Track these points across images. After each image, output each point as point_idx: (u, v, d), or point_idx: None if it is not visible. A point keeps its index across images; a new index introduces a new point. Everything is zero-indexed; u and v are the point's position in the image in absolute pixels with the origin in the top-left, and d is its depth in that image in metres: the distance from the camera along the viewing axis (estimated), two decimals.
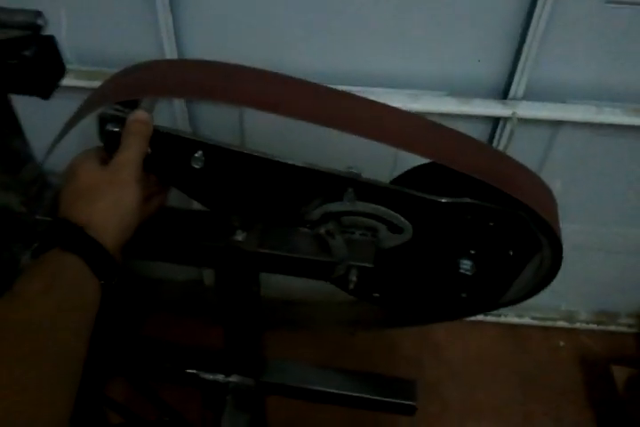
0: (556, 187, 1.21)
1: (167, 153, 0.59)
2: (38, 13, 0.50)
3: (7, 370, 0.42)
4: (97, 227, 0.52)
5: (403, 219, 0.60)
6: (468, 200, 0.59)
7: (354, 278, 0.61)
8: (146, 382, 0.85)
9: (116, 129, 0.57)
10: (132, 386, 0.84)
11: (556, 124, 1.08)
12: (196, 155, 0.58)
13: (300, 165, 0.58)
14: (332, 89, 0.61)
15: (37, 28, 0.50)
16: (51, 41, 0.51)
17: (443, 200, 0.59)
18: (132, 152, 0.56)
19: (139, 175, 0.56)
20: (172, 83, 0.59)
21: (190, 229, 0.64)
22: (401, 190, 0.59)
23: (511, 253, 0.63)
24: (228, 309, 0.70)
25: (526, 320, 1.49)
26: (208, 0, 0.99)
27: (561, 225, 1.27)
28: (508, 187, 0.57)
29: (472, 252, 0.64)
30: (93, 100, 0.61)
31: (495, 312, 1.49)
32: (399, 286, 0.69)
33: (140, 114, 0.57)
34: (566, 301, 1.48)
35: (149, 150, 0.58)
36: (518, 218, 0.60)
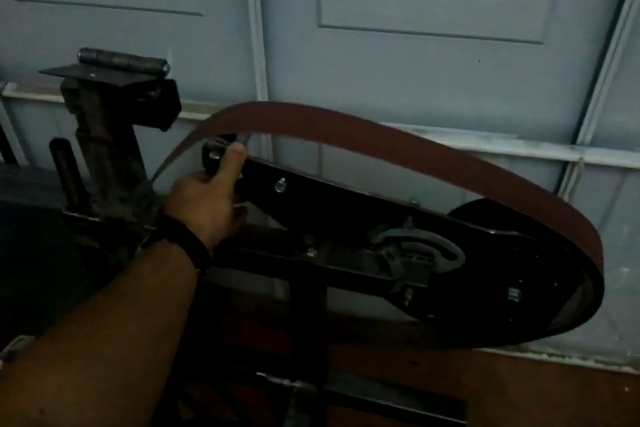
0: (624, 232, 1.23)
1: (256, 178, 0.71)
2: (164, 62, 0.62)
3: (124, 330, 0.50)
4: (195, 226, 0.63)
5: (456, 246, 0.68)
6: (514, 233, 0.66)
7: (409, 297, 0.69)
8: (220, 382, 0.95)
9: (217, 157, 0.70)
10: (209, 385, 0.94)
11: (624, 170, 1.12)
12: (280, 181, 0.70)
13: (367, 194, 0.67)
14: (391, 128, 0.71)
15: (162, 74, 0.62)
16: (172, 84, 0.64)
17: (491, 232, 0.66)
18: (227, 174, 0.68)
19: (231, 193, 0.68)
20: (266, 121, 0.71)
21: (270, 244, 0.74)
22: (454, 221, 0.67)
23: (556, 284, 0.69)
24: (298, 319, 0.79)
25: (590, 363, 1.49)
26: (299, 46, 1.12)
27: (628, 269, 1.28)
28: (552, 222, 0.64)
29: (520, 281, 0.71)
30: (199, 132, 0.73)
31: (559, 353, 1.51)
32: (452, 308, 0.76)
33: (236, 145, 0.69)
34: (632, 347, 1.47)
35: (241, 176, 0.70)
36: (561, 251, 0.66)
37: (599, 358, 1.50)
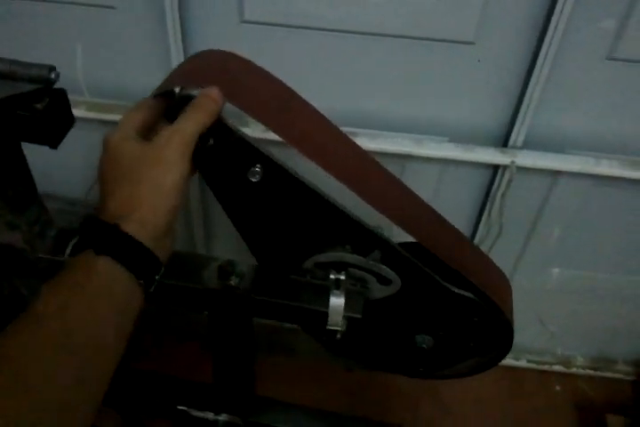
0: (554, 234, 1.22)
1: (229, 156, 0.57)
2: (52, 68, 0.53)
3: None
4: (136, 220, 0.49)
5: (392, 272, 0.62)
6: (470, 295, 0.62)
7: (342, 328, 0.63)
8: (137, 416, 0.86)
9: (189, 93, 0.54)
10: (123, 418, 0.85)
11: (555, 173, 1.10)
12: (256, 168, 0.57)
13: (341, 208, 0.59)
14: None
15: (50, 82, 0.53)
16: (62, 94, 0.54)
17: (454, 290, 0.62)
18: (190, 124, 0.51)
19: (190, 154, 0.51)
20: (238, 88, 0.58)
21: (181, 271, 0.65)
22: (418, 265, 0.61)
23: (472, 344, 0.67)
24: (220, 353, 0.72)
25: (522, 363, 1.49)
26: (220, 43, 1.03)
27: (557, 270, 1.29)
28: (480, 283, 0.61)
29: (440, 332, 0.68)
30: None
31: None
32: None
33: (211, 90, 0.53)
34: (563, 345, 1.48)
35: (212, 141, 0.55)
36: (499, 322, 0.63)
37: (530, 357, 1.50)
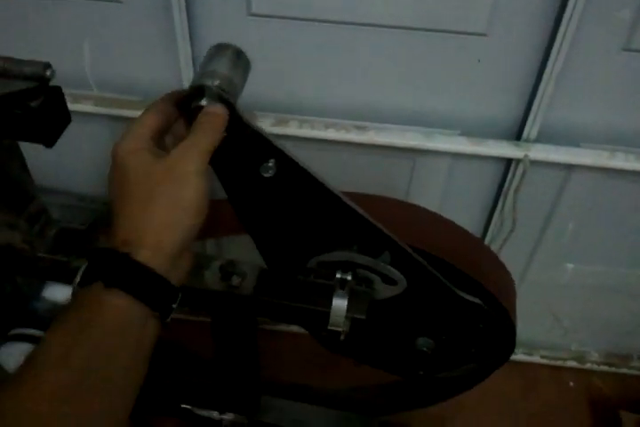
0: (569, 228, 1.20)
1: (243, 150, 0.55)
2: (47, 65, 0.51)
3: None
4: (150, 247, 0.45)
5: (397, 272, 0.61)
6: (478, 301, 0.60)
7: (345, 329, 0.61)
8: (142, 414, 0.86)
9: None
10: (129, 417, 0.85)
11: (569, 167, 1.07)
12: (269, 164, 0.55)
13: (354, 207, 0.58)
14: None
15: (45, 80, 0.51)
16: (57, 92, 0.53)
17: (462, 295, 0.61)
18: (201, 137, 0.48)
19: (205, 165, 0.48)
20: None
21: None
22: (430, 270, 0.60)
23: (474, 349, 0.65)
24: (223, 350, 0.71)
25: (535, 358, 1.47)
26: (228, 36, 1.01)
27: (572, 265, 1.27)
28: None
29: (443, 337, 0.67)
30: None
31: None
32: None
33: (215, 106, 0.50)
34: (577, 341, 1.46)
35: (225, 133, 0.52)
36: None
37: (544, 353, 1.48)
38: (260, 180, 0.56)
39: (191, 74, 1.06)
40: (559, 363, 1.47)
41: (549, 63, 0.94)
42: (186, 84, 1.07)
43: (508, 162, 1.08)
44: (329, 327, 0.61)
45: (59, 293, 0.78)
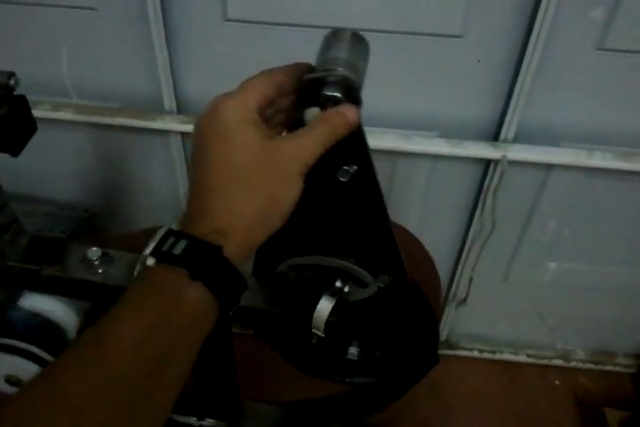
0: (549, 227, 1.20)
1: (335, 149, 0.47)
2: (11, 74, 0.51)
3: None
4: (238, 235, 0.41)
5: (368, 275, 0.61)
6: None
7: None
8: None
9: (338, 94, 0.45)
10: None
11: (548, 166, 1.08)
12: (351, 169, 0.50)
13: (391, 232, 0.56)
14: None
15: (9, 89, 0.51)
16: (22, 101, 0.53)
17: None
18: (317, 140, 0.43)
19: (304, 174, 0.43)
20: None
21: None
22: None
23: None
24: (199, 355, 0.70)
25: (521, 358, 1.48)
26: (204, 41, 1.02)
27: (554, 264, 1.27)
28: None
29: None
30: None
31: (490, 349, 1.49)
32: None
33: (349, 110, 0.44)
34: (562, 339, 1.46)
35: None
36: None
37: (529, 352, 1.48)
38: (333, 182, 0.51)
39: (170, 81, 1.06)
40: (545, 362, 1.48)
41: (525, 63, 0.94)
42: (165, 93, 1.07)
43: (487, 163, 1.09)
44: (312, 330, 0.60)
45: (35, 302, 0.78)
